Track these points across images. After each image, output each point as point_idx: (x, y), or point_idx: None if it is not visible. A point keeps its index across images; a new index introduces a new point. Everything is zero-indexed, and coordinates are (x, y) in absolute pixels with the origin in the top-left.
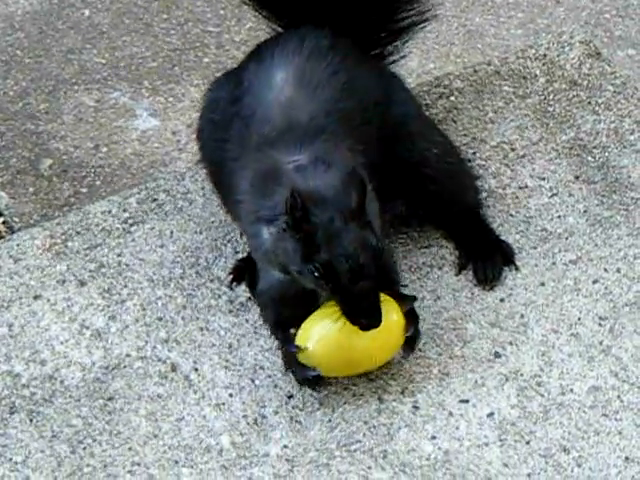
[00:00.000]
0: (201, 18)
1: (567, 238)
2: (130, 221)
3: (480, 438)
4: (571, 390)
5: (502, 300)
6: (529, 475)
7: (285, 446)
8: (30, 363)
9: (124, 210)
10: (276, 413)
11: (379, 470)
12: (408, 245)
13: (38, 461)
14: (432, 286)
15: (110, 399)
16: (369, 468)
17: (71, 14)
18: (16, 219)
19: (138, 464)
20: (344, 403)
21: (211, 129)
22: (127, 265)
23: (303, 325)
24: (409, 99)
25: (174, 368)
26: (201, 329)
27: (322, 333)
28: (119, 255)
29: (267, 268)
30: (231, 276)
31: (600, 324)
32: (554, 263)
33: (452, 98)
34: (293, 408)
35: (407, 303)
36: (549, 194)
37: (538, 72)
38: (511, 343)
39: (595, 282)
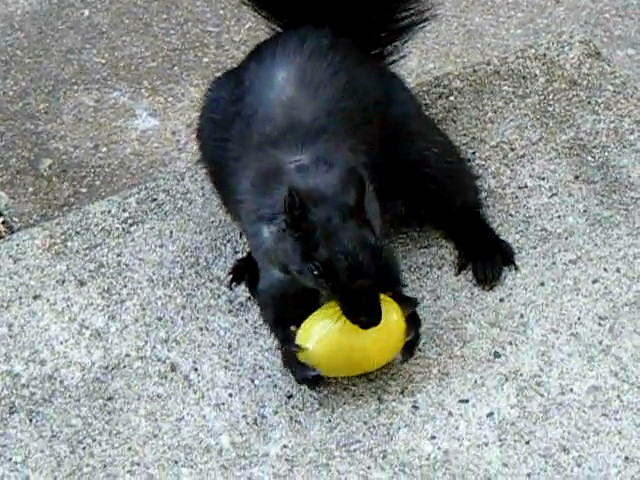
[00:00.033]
0: (200, 18)
1: (567, 238)
2: (130, 221)
3: (480, 438)
4: (571, 390)
5: (502, 300)
6: (529, 475)
7: (285, 446)
8: (30, 363)
9: (124, 210)
10: (276, 413)
11: (379, 470)
12: (408, 245)
13: (38, 461)
14: (432, 286)
15: (110, 399)
16: (369, 468)
17: (71, 14)
18: (16, 219)
19: (138, 464)
20: (344, 403)
21: (211, 129)
22: (127, 265)
23: (303, 325)
24: (409, 99)
25: (174, 368)
26: (201, 329)
27: (322, 333)
28: (119, 255)
29: (267, 267)
30: (231, 276)
31: (600, 324)
32: (554, 263)
33: (452, 98)
34: (293, 408)
35: (409, 306)
36: (549, 194)
37: (538, 72)
38: (511, 343)
39: (595, 282)
